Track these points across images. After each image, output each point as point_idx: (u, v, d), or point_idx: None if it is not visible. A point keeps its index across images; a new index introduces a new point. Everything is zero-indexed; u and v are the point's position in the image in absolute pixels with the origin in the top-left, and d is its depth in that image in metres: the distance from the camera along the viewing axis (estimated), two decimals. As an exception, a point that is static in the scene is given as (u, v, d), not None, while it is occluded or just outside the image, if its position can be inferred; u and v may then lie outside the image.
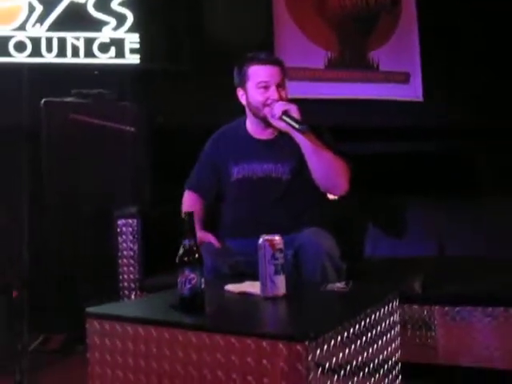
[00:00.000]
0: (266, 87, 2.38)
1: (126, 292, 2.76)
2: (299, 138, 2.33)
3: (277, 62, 2.43)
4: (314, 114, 4.08)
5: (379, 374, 1.73)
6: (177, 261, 1.67)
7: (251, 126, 2.53)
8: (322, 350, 1.40)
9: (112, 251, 2.80)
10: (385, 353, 1.78)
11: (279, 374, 1.38)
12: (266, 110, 2.38)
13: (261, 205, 2.43)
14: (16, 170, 3.28)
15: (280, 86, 2.40)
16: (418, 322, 2.41)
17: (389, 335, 1.82)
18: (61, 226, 3.10)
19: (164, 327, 1.57)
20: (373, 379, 1.68)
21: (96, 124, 3.10)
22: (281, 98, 2.37)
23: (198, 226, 2.32)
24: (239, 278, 2.00)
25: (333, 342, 1.45)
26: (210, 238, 2.35)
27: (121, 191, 3.13)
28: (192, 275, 1.66)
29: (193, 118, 3.72)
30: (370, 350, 1.67)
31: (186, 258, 1.67)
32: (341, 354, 1.49)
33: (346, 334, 1.52)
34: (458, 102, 4.11)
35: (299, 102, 4.08)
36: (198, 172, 2.63)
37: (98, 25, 3.61)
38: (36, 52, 3.51)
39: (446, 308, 2.38)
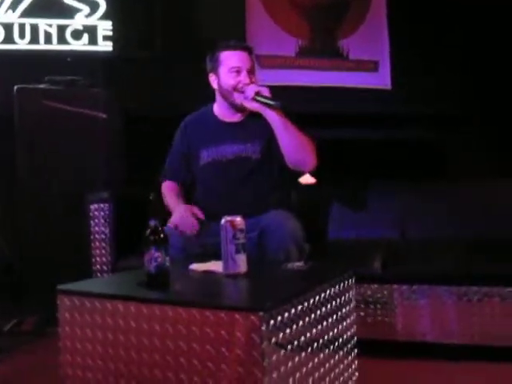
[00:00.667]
0: (238, 71, 2.49)
1: (99, 274, 2.84)
2: (271, 115, 2.43)
3: (247, 49, 2.54)
4: (285, 101, 4.24)
5: (333, 346, 1.84)
6: (143, 240, 1.77)
7: (220, 110, 2.62)
8: (276, 321, 1.50)
9: (84, 235, 2.87)
10: (339, 327, 1.89)
11: (236, 343, 1.48)
12: (236, 95, 2.49)
13: (229, 185, 2.52)
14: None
15: (250, 71, 2.51)
16: (378, 301, 2.53)
17: (343, 310, 1.93)
18: (34, 212, 3.15)
19: (130, 302, 1.65)
20: (327, 351, 1.79)
21: (68, 110, 3.16)
22: (251, 83, 2.49)
23: (180, 201, 2.51)
24: (208, 259, 2.09)
25: (287, 314, 1.56)
26: (194, 208, 2.45)
27: (93, 176, 3.19)
28: (157, 254, 1.76)
29: (164, 105, 3.80)
30: (324, 324, 1.78)
31: (151, 238, 1.76)
32: (294, 326, 1.59)
33: (300, 307, 1.62)
34: (425, 89, 4.23)
35: (270, 89, 4.26)
36: (170, 162, 2.72)
37: (70, 12, 3.65)
38: (8, 38, 3.54)
39: (404, 287, 2.51)
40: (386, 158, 4.18)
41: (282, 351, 1.53)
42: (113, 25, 3.71)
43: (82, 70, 3.59)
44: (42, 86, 3.25)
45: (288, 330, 1.56)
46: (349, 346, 1.98)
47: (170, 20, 3.95)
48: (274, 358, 1.49)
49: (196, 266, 2.03)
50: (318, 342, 1.73)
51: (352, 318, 2.02)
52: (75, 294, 1.76)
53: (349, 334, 1.98)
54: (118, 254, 2.85)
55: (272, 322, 1.49)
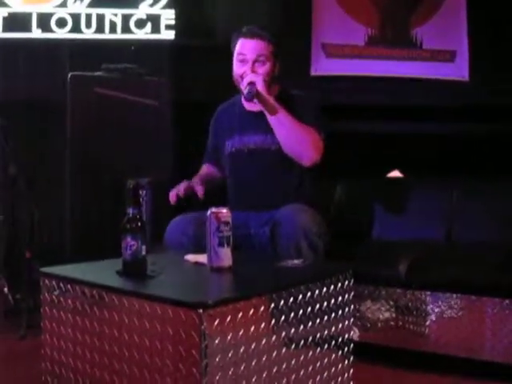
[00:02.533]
0: (243, 61, 2.42)
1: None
2: (264, 109, 2.37)
3: (261, 36, 2.42)
4: (353, 92, 4.09)
5: (315, 350, 1.74)
6: (121, 228, 1.76)
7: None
8: (222, 319, 1.43)
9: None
10: (326, 331, 1.78)
11: (180, 340, 1.44)
12: (241, 85, 2.41)
13: (250, 176, 2.48)
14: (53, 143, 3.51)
15: (259, 60, 2.41)
16: (399, 306, 2.37)
17: (333, 314, 1.81)
18: (82, 197, 3.26)
19: (100, 289, 1.66)
20: (304, 355, 1.69)
21: (118, 97, 3.23)
22: (255, 72, 2.39)
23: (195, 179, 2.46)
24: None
25: (241, 313, 1.48)
26: (196, 185, 2.36)
27: (140, 163, 3.24)
28: (133, 242, 1.75)
29: (224, 93, 3.78)
30: (302, 326, 1.68)
31: (128, 226, 1.76)
32: (253, 327, 1.52)
33: (262, 307, 1.55)
34: (505, 81, 3.89)
35: (338, 80, 4.12)
36: (207, 147, 2.73)
37: (135, 1, 3.73)
38: (76, 28, 3.68)
39: (429, 293, 2.32)
40: (462, 153, 3.90)
41: (232, 352, 1.46)
42: (175, 13, 3.74)
43: (145, 59, 3.65)
44: (96, 73, 3.34)
45: (242, 331, 1.49)
46: (341, 351, 1.86)
47: (233, 9, 3.91)
48: (218, 358, 1.42)
49: (190, 257, 2.01)
50: (289, 346, 1.64)
51: (348, 321, 1.89)
52: (55, 277, 1.79)
53: (343, 338, 1.86)
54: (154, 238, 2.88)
55: (218, 320, 1.42)
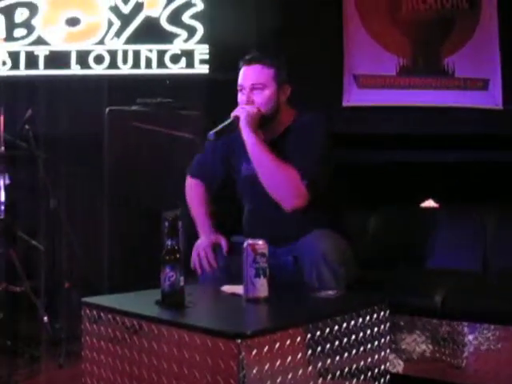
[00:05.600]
0: (241, 90, 2.34)
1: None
2: (247, 146, 2.26)
3: (259, 61, 2.32)
4: (386, 122, 4.11)
5: (352, 382, 1.74)
6: (160, 259, 1.81)
7: None
8: (260, 350, 1.45)
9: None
10: (362, 362, 1.79)
11: (218, 370, 1.46)
12: None
13: (267, 205, 2.30)
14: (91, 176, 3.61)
15: (256, 88, 2.30)
16: (435, 337, 2.35)
17: (369, 345, 1.82)
18: (120, 228, 3.33)
19: (139, 319, 1.70)
20: (341, 386, 1.70)
21: (154, 131, 3.30)
22: (251, 101, 2.29)
23: (207, 227, 2.43)
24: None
25: (278, 344, 1.50)
26: (221, 240, 2.37)
27: (177, 195, 3.30)
28: (171, 273, 1.79)
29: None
30: (338, 357, 1.69)
31: (167, 257, 1.80)
32: (290, 358, 1.53)
33: (299, 338, 1.56)
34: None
35: (371, 110, 4.15)
36: (201, 158, 2.62)
37: (170, 37, 3.84)
38: (113, 64, 3.80)
39: (466, 324, 2.30)
40: (493, 183, 3.87)
41: (269, 382, 1.48)
42: (209, 48, 3.83)
43: (179, 93, 3.74)
44: (132, 108, 3.43)
45: (279, 361, 1.50)
46: (377, 382, 1.86)
47: (265, 42, 3.99)
48: (257, 388, 1.44)
49: (226, 288, 2.03)
50: (325, 376, 1.64)
51: (384, 352, 1.89)
52: (96, 307, 1.84)
53: (377, 370, 1.86)
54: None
55: (256, 350, 1.44)
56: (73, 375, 2.62)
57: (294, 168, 2.20)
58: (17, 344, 2.89)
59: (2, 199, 3.00)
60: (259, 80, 2.29)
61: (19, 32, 3.83)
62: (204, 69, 3.84)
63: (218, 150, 2.53)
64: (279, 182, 2.21)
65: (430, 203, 3.87)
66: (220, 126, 2.28)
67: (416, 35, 4.07)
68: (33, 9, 3.84)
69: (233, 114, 2.28)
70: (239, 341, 1.41)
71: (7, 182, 3.09)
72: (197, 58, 3.84)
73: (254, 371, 1.44)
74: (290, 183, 2.19)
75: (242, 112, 2.27)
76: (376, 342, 1.85)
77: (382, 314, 1.88)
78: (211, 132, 2.27)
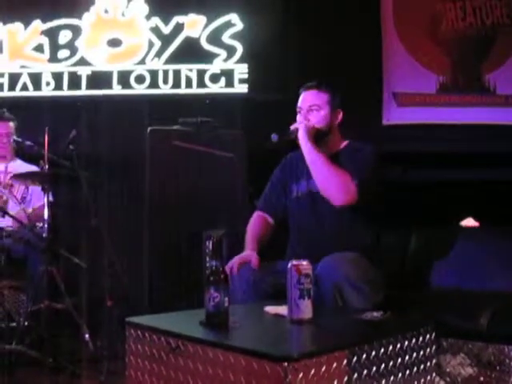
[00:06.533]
0: (300, 112, 2.60)
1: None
2: (302, 149, 2.50)
3: (315, 87, 2.58)
4: (426, 140, 4.07)
5: (399, 406, 1.71)
6: (204, 280, 1.81)
7: None
8: (306, 373, 1.44)
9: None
10: (410, 386, 1.75)
11: (264, 393, 1.45)
12: None
13: (310, 222, 2.54)
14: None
15: (311, 109, 2.55)
16: (481, 361, 2.29)
17: (415, 368, 1.78)
18: (160, 247, 3.36)
19: (187, 341, 1.70)
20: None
21: (195, 150, 3.34)
22: (308, 120, 2.54)
23: (250, 245, 2.52)
24: (282, 299, 2.07)
25: (325, 367, 1.49)
26: (251, 257, 2.44)
27: (217, 214, 3.32)
28: (216, 294, 1.79)
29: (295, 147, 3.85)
30: (384, 381, 1.66)
31: (211, 278, 1.80)
32: (336, 381, 1.51)
33: (345, 361, 1.54)
34: None
35: (411, 128, 4.12)
36: (266, 192, 2.80)
37: (209, 57, 3.89)
38: (154, 84, 3.87)
39: (513, 347, 2.24)
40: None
41: (317, 406, 1.46)
42: (248, 68, 3.87)
43: (219, 112, 3.78)
44: (173, 127, 3.47)
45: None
46: (425, 407, 1.82)
47: (305, 62, 4.00)
48: (305, 412, 1.43)
49: (270, 309, 2.02)
50: (372, 400, 1.62)
51: (431, 376, 1.86)
52: (140, 327, 1.85)
53: (424, 394, 1.82)
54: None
55: (302, 373, 1.43)
56: (114, 393, 2.64)
57: (346, 171, 2.42)
58: (58, 361, 2.92)
59: (46, 217, 3.04)
60: (315, 102, 2.56)
61: (63, 53, 3.93)
62: (243, 88, 3.89)
63: (279, 180, 2.75)
64: (331, 179, 2.41)
65: (469, 221, 3.81)
66: (279, 135, 2.55)
67: (456, 53, 4.05)
68: (76, 31, 3.95)
69: (292, 127, 2.54)
70: (286, 364, 1.40)
71: (51, 199, 3.13)
72: (236, 77, 3.90)
73: (303, 394, 1.42)
74: (341, 180, 2.39)
75: (300, 124, 2.53)
76: (422, 366, 1.82)
77: (427, 336, 1.84)
78: (274, 134, 2.55)
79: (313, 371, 1.46)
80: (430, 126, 4.09)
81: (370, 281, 2.25)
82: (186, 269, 3.31)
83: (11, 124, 3.54)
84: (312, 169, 2.46)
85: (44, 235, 3.04)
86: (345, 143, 2.62)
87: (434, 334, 1.87)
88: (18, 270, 3.21)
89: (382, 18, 4.09)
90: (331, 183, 2.41)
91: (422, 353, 1.82)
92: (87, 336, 2.99)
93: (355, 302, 2.15)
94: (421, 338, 1.81)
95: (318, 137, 2.53)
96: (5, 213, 3.14)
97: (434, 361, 1.87)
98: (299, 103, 2.61)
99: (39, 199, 3.29)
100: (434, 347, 1.87)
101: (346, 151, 2.58)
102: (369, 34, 4.08)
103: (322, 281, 2.20)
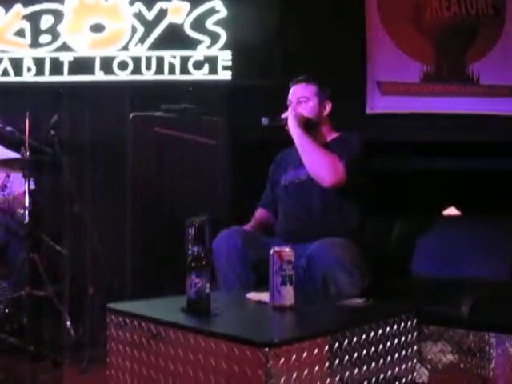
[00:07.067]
0: (289, 105, 2.70)
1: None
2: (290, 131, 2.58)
3: (303, 80, 2.70)
4: (409, 129, 4.07)
5: (379, 392, 1.72)
6: (186, 266, 1.80)
7: None
8: (288, 359, 1.44)
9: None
10: (390, 371, 1.76)
11: (243, 377, 1.45)
12: None
13: (296, 207, 2.62)
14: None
15: (300, 101, 2.66)
16: (462, 348, 2.31)
17: (397, 355, 1.79)
18: (143, 234, 3.34)
19: (163, 326, 1.70)
20: (368, 396, 1.67)
21: (177, 137, 3.31)
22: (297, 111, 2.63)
23: (251, 223, 2.72)
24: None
25: (306, 353, 1.49)
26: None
27: (200, 201, 3.31)
28: (197, 280, 1.78)
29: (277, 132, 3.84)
30: (365, 367, 1.67)
31: (193, 264, 1.79)
32: (317, 367, 1.52)
33: (327, 347, 1.54)
34: None
35: (394, 117, 4.12)
36: (265, 192, 2.90)
37: (193, 43, 3.86)
38: (137, 70, 3.83)
39: (494, 335, 2.26)
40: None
41: (297, 391, 1.46)
42: (232, 55, 3.84)
43: (202, 99, 3.75)
44: (155, 113, 3.44)
45: (307, 370, 1.49)
46: (405, 393, 1.83)
47: (288, 49, 3.98)
48: (284, 397, 1.43)
49: (252, 295, 2.02)
50: (353, 386, 1.63)
51: (412, 362, 1.87)
52: (121, 313, 1.84)
53: (404, 380, 1.83)
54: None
55: (284, 359, 1.43)
56: (95, 381, 2.62)
57: (332, 152, 2.52)
58: (39, 349, 2.89)
59: (27, 204, 3.00)
60: (303, 94, 2.67)
61: (44, 38, 3.88)
62: (227, 75, 3.86)
63: (273, 176, 2.87)
64: (320, 161, 2.49)
65: (451, 211, 3.83)
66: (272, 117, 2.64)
67: (440, 42, 4.04)
68: (58, 15, 3.90)
69: (283, 116, 2.62)
70: (267, 349, 1.40)
71: (32, 186, 3.09)
72: (220, 64, 3.87)
73: (282, 380, 1.42)
74: (329, 160, 2.48)
75: (289, 113, 2.62)
76: (403, 352, 1.83)
77: (409, 323, 1.85)
78: (264, 118, 2.64)
79: (294, 357, 1.46)
80: (413, 114, 4.08)
81: (359, 266, 2.28)
82: (169, 256, 3.29)
83: (-9, 110, 3.49)
84: (301, 152, 2.53)
85: (25, 222, 3.01)
86: (335, 135, 2.69)
87: (415, 321, 1.88)
88: (-1, 257, 3.18)
89: (366, 7, 4.07)
90: (320, 164, 2.47)
91: (403, 339, 1.83)
92: (69, 323, 2.96)
93: (346, 286, 2.17)
94: (402, 325, 1.82)
95: (308, 127, 2.61)
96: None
97: (415, 347, 1.89)
98: (289, 96, 2.71)
99: (20, 186, 3.25)
100: (415, 334, 1.88)
101: (335, 141, 2.65)
102: (353, 22, 4.06)
103: (313, 264, 2.24)
